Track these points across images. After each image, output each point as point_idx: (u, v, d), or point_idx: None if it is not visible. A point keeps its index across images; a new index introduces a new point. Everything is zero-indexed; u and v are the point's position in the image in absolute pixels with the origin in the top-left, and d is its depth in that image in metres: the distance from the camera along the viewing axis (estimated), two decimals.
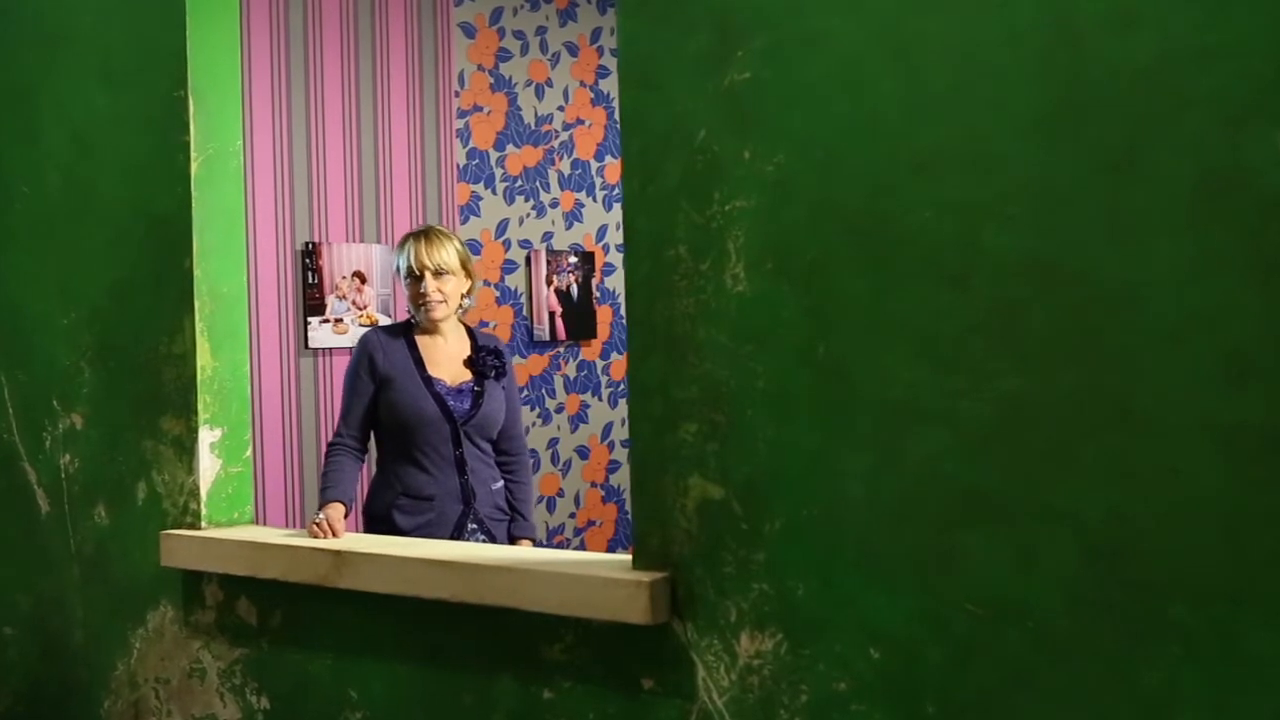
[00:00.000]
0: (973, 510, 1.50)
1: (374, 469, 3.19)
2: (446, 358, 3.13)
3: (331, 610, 2.13)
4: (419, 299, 3.07)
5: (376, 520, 3.08)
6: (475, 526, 3.09)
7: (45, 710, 2.62)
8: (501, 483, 3.18)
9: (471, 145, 5.20)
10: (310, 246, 4.61)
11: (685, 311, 1.71)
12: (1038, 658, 1.46)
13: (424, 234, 3.09)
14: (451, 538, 3.03)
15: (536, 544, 3.34)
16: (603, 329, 5.72)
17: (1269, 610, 1.33)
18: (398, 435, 3.06)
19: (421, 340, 3.12)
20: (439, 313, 3.07)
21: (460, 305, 3.14)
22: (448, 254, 3.06)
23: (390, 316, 4.74)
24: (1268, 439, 1.32)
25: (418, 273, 3.05)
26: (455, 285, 3.09)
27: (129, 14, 2.42)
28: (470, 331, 3.22)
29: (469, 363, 3.14)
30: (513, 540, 3.19)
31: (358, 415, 3.04)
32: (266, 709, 2.23)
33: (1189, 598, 1.37)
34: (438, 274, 3.05)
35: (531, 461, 5.38)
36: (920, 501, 1.54)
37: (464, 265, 3.10)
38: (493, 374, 3.14)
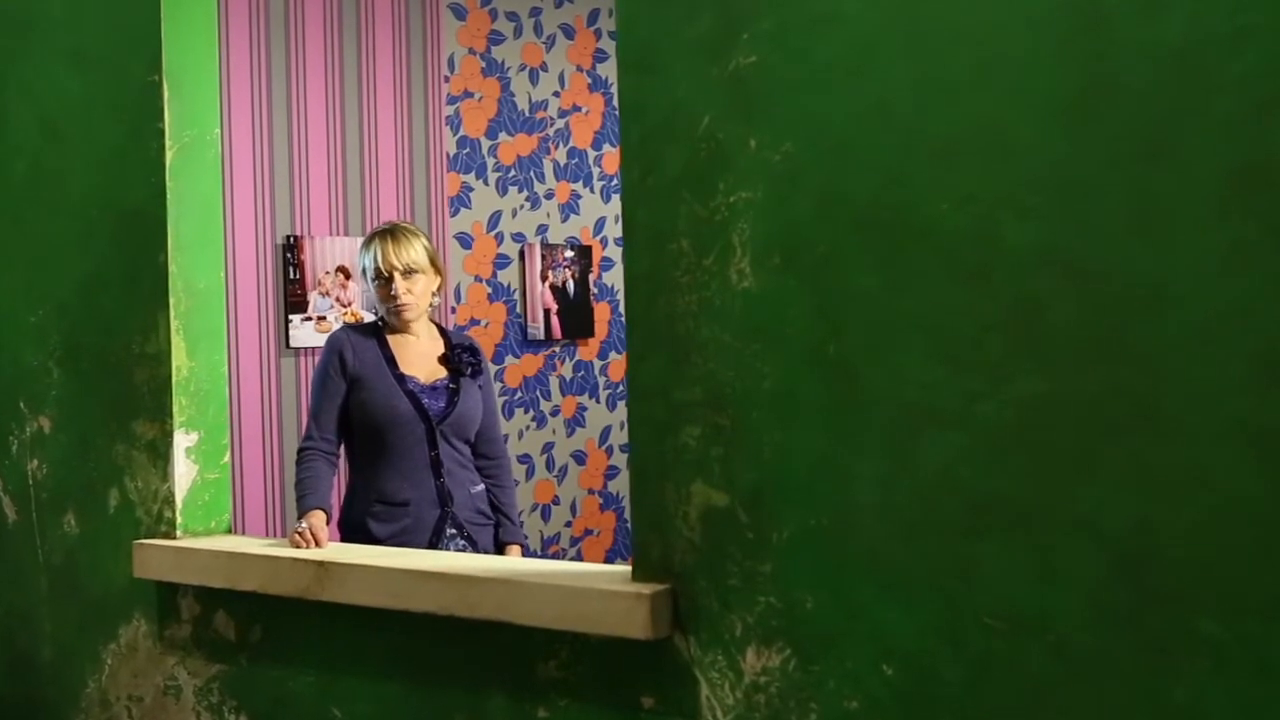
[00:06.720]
0: (990, 518, 1.50)
1: (347, 480, 3.20)
2: (419, 356, 3.15)
3: (314, 624, 2.13)
4: (389, 300, 3.09)
5: (353, 531, 3.09)
6: (454, 531, 3.10)
7: None
8: (482, 486, 3.20)
9: (462, 133, 5.20)
10: (291, 240, 4.61)
11: (687, 309, 1.72)
12: (1059, 673, 1.47)
13: (390, 232, 3.11)
14: (429, 544, 3.04)
15: (526, 550, 3.35)
16: (600, 327, 5.72)
17: None
18: (370, 438, 3.07)
19: (393, 339, 3.15)
20: (410, 314, 3.11)
21: (430, 303, 3.17)
22: (416, 252, 3.09)
23: (375, 314, 4.74)
24: None
25: (386, 274, 3.07)
26: (425, 284, 3.13)
27: None
28: (442, 330, 3.25)
29: (444, 360, 3.17)
30: (501, 546, 3.21)
31: (330, 417, 3.05)
32: None
33: (1218, 611, 1.37)
34: (407, 274, 3.08)
35: (523, 468, 5.40)
36: (935, 509, 1.54)
37: (433, 262, 3.15)
38: (469, 371, 3.17)
